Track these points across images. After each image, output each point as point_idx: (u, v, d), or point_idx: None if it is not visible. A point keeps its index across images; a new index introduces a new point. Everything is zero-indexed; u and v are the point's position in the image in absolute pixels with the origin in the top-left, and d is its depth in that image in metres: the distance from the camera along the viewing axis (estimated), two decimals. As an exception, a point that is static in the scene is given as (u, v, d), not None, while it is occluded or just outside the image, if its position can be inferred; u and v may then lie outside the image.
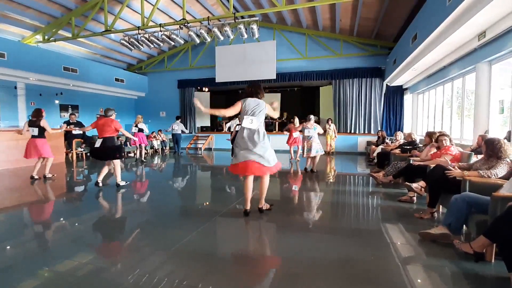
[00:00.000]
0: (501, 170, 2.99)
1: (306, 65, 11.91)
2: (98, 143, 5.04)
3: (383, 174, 5.01)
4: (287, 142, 8.89)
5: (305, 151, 6.75)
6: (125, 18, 10.03)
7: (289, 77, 12.19)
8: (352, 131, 11.58)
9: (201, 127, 14.18)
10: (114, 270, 2.25)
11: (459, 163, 3.77)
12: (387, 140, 8.75)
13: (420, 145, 5.92)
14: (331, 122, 10.99)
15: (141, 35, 8.90)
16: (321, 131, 6.92)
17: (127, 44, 9.11)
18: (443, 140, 4.24)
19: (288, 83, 13.22)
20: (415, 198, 4.13)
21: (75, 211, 4.03)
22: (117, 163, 5.19)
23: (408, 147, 6.08)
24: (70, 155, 9.35)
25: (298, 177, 6.35)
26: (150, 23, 8.85)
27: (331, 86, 12.11)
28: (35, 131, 5.92)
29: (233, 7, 9.14)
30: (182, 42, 9.08)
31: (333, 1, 7.25)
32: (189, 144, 13.36)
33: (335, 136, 10.98)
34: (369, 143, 10.43)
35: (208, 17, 8.41)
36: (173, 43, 9.11)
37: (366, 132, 11.43)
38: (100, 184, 5.16)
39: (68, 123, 9.33)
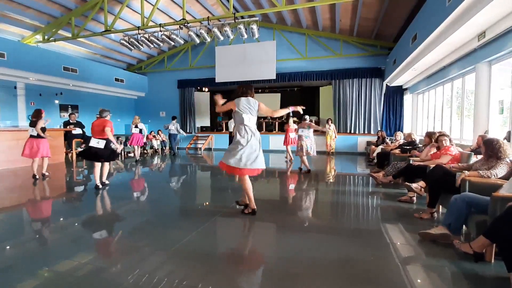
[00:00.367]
0: (500, 170, 2.99)
1: (306, 65, 11.91)
2: (96, 144, 5.03)
3: (383, 174, 5.01)
4: (284, 143, 8.93)
5: (298, 150, 6.85)
6: (125, 18, 10.03)
7: (289, 77, 12.19)
8: (352, 131, 11.58)
9: (201, 127, 14.18)
10: (114, 270, 2.25)
11: (459, 164, 3.77)
12: (387, 140, 8.75)
13: (420, 145, 5.93)
14: (331, 122, 11.00)
15: (141, 35, 8.90)
16: (315, 127, 7.01)
17: (127, 44, 9.11)
18: (443, 140, 4.24)
19: (288, 83, 13.22)
20: (415, 198, 4.13)
21: (75, 211, 4.03)
22: (107, 164, 5.26)
23: (408, 147, 6.09)
24: (70, 155, 9.35)
25: (296, 177, 6.35)
26: (150, 23, 8.85)
27: (331, 86, 12.11)
28: (35, 131, 5.98)
29: (233, 7, 9.14)
30: (182, 42, 9.08)
31: (333, 1, 7.25)
32: (189, 144, 13.36)
33: (335, 136, 10.99)
34: (369, 143, 10.44)
35: (208, 17, 8.42)
36: (173, 43, 9.11)
37: (366, 132, 11.43)
38: (106, 182, 5.22)
39: (68, 123, 9.34)
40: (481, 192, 2.65)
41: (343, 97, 11.61)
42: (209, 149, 13.11)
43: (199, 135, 13.61)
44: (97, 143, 5.03)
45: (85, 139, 9.83)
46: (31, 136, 5.99)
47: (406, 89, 10.83)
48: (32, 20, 9.14)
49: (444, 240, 2.66)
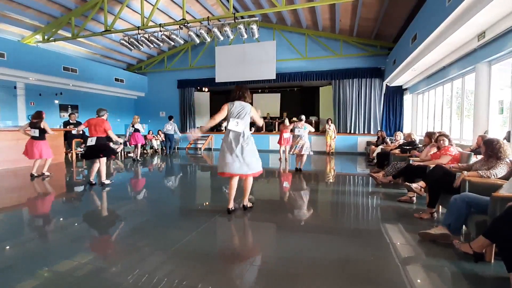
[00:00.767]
0: (500, 170, 2.99)
1: (306, 65, 11.91)
2: (91, 142, 5.19)
3: (382, 174, 5.01)
4: (278, 142, 9.00)
5: (293, 148, 6.91)
6: (125, 18, 10.03)
7: (289, 77, 12.19)
8: (352, 131, 11.58)
9: (201, 127, 14.15)
10: (114, 270, 2.24)
11: (459, 164, 3.77)
12: (387, 140, 8.75)
13: (419, 145, 5.93)
14: (331, 122, 11.01)
15: (141, 35, 8.90)
16: (312, 130, 7.10)
17: (127, 44, 9.11)
18: (443, 141, 4.25)
19: (288, 83, 13.23)
20: (414, 198, 4.13)
21: (75, 211, 4.03)
22: (103, 162, 5.30)
23: (407, 147, 6.09)
24: (69, 155, 9.34)
25: (295, 177, 6.35)
26: (150, 23, 8.85)
27: (331, 86, 12.11)
28: (36, 132, 6.07)
29: (233, 7, 9.14)
30: (182, 42, 9.07)
31: (333, 1, 7.26)
32: (189, 144, 13.36)
33: (335, 136, 11.00)
34: (368, 143, 10.44)
35: (208, 17, 8.42)
36: (173, 43, 9.11)
37: (366, 132, 11.43)
38: (106, 183, 5.29)
39: (68, 123, 9.34)
40: (481, 192, 2.65)
41: (343, 97, 11.60)
42: (209, 149, 13.11)
43: (199, 135, 13.59)
44: (91, 141, 5.19)
45: (85, 139, 9.82)
46: (33, 137, 6.08)
47: (406, 89, 10.84)
48: (32, 20, 9.14)
49: (444, 240, 2.66)
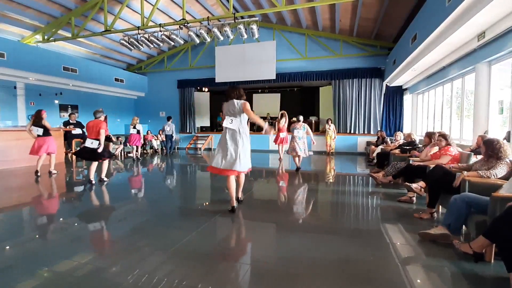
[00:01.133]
0: (500, 170, 2.99)
1: (305, 65, 11.91)
2: (90, 144, 5.33)
3: (382, 174, 5.02)
4: (275, 141, 8.98)
5: (291, 149, 6.95)
6: (125, 18, 10.03)
7: (289, 77, 12.19)
8: (352, 131, 11.58)
9: (201, 127, 14.18)
10: (114, 270, 2.24)
11: (459, 164, 3.77)
12: (386, 140, 8.75)
13: (419, 146, 5.93)
14: (331, 122, 11.01)
15: (141, 35, 8.89)
16: (310, 131, 7.09)
17: (127, 44, 9.11)
18: (442, 141, 4.24)
19: (288, 83, 13.23)
20: (414, 198, 4.13)
21: (75, 211, 4.03)
22: (106, 161, 5.58)
23: (407, 147, 6.09)
24: (69, 155, 9.34)
25: (295, 177, 6.35)
26: (150, 23, 8.84)
27: (330, 86, 12.11)
28: (40, 131, 6.28)
29: (233, 7, 9.14)
30: (182, 42, 9.07)
31: (333, 1, 7.26)
32: (188, 144, 13.36)
33: (335, 137, 11.00)
34: (368, 143, 10.44)
35: (208, 17, 8.41)
36: (173, 43, 9.10)
37: (366, 132, 11.43)
38: (104, 179, 5.50)
39: (67, 123, 9.33)
40: (481, 192, 2.65)
41: (343, 97, 11.60)
42: (209, 149, 13.11)
43: (199, 135, 13.61)
44: (91, 143, 5.30)
45: (85, 139, 9.82)
46: (38, 135, 6.29)
47: (406, 89, 10.84)
48: (32, 20, 9.14)
49: (444, 240, 2.66)
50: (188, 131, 13.77)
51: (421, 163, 4.23)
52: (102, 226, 3.45)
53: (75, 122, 9.43)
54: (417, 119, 10.39)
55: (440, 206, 3.57)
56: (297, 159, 7.05)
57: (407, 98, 11.00)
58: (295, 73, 12.08)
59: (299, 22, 11.21)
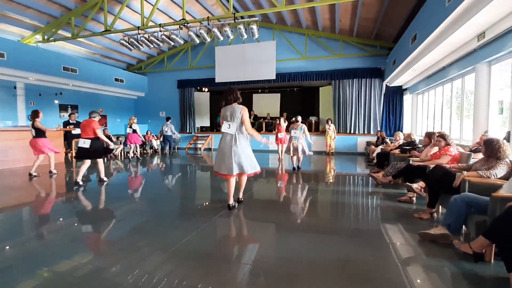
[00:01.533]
0: (500, 170, 2.99)
1: (305, 66, 11.92)
2: (82, 144, 5.33)
3: (382, 174, 5.02)
4: (275, 142, 9.16)
5: (291, 150, 6.97)
6: (125, 18, 10.03)
7: (289, 78, 12.19)
8: (352, 132, 11.59)
9: (201, 127, 14.18)
10: (114, 270, 2.24)
11: (459, 164, 3.77)
12: (386, 141, 8.76)
13: (419, 146, 5.93)
14: (331, 123, 11.02)
15: (141, 35, 8.89)
16: (307, 132, 7.09)
17: (127, 44, 9.11)
18: (442, 141, 4.24)
19: (287, 84, 13.23)
20: (414, 198, 4.14)
21: (75, 211, 4.02)
22: (100, 161, 5.59)
23: (407, 147, 6.09)
24: (69, 155, 9.34)
25: (295, 177, 6.35)
26: (150, 23, 8.84)
27: (330, 86, 12.11)
28: (33, 131, 6.26)
29: (233, 7, 9.15)
30: (182, 42, 9.07)
31: (333, 1, 7.26)
32: (188, 144, 13.36)
33: (335, 137, 11.00)
34: (368, 144, 10.44)
35: (208, 17, 8.41)
36: (172, 43, 9.11)
37: (366, 132, 11.43)
38: (104, 179, 5.54)
39: (67, 123, 9.34)
40: (481, 192, 2.65)
41: (343, 97, 11.61)
42: (209, 149, 13.11)
43: (199, 135, 13.61)
44: (83, 143, 5.31)
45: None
46: (33, 136, 6.28)
47: (405, 89, 10.84)
48: (32, 20, 9.14)
49: (444, 240, 2.66)
50: (188, 131, 13.77)
51: (421, 163, 4.23)
52: (102, 226, 3.45)
53: (75, 122, 9.43)
54: (417, 119, 10.39)
55: (440, 206, 3.57)
56: (295, 158, 7.07)
57: (407, 98, 11.00)
58: (295, 73, 12.08)
59: (299, 22, 11.21)
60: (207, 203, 4.56)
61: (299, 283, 2.06)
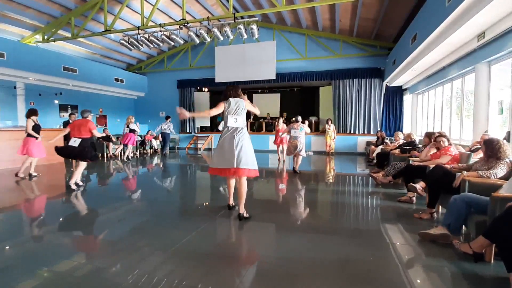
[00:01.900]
0: (500, 170, 2.99)
1: (305, 66, 11.92)
2: (73, 142, 5.05)
3: (382, 174, 5.01)
4: (274, 142, 9.19)
5: (289, 150, 6.96)
6: (125, 18, 10.03)
7: (289, 78, 12.20)
8: (352, 132, 11.59)
9: (201, 127, 14.18)
10: (114, 270, 2.24)
11: (459, 164, 3.77)
12: (386, 141, 8.76)
13: (419, 146, 5.93)
14: (331, 123, 11.01)
15: (141, 35, 8.90)
16: (308, 130, 7.04)
17: (127, 44, 9.11)
18: (442, 141, 4.25)
19: (287, 84, 13.23)
20: (414, 198, 4.14)
21: (75, 211, 4.03)
22: (83, 165, 5.15)
23: (407, 147, 6.09)
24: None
25: (294, 177, 6.35)
26: (150, 23, 8.85)
27: (330, 86, 12.11)
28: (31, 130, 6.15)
29: (233, 7, 9.15)
30: (182, 42, 9.08)
31: (333, 1, 7.26)
32: (188, 144, 13.36)
33: (335, 137, 11.00)
34: (368, 144, 10.44)
35: (208, 17, 8.41)
36: (172, 43, 9.11)
37: (366, 132, 11.43)
38: (79, 184, 5.14)
39: (67, 123, 9.33)
40: (481, 192, 2.65)
41: (343, 97, 11.61)
42: (209, 149, 13.11)
43: (199, 135, 13.61)
44: (74, 141, 5.07)
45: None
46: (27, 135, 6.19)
47: (405, 89, 10.84)
48: (32, 20, 9.14)
49: (444, 240, 2.66)
50: (188, 131, 13.78)
51: (421, 163, 4.23)
52: (102, 226, 3.44)
53: (75, 122, 9.43)
54: (417, 119, 10.39)
55: (440, 206, 3.57)
56: (295, 159, 7.02)
57: (407, 98, 11.00)
58: (295, 73, 12.08)
59: (299, 22, 11.21)
60: (207, 203, 4.56)
61: (299, 283, 2.06)
